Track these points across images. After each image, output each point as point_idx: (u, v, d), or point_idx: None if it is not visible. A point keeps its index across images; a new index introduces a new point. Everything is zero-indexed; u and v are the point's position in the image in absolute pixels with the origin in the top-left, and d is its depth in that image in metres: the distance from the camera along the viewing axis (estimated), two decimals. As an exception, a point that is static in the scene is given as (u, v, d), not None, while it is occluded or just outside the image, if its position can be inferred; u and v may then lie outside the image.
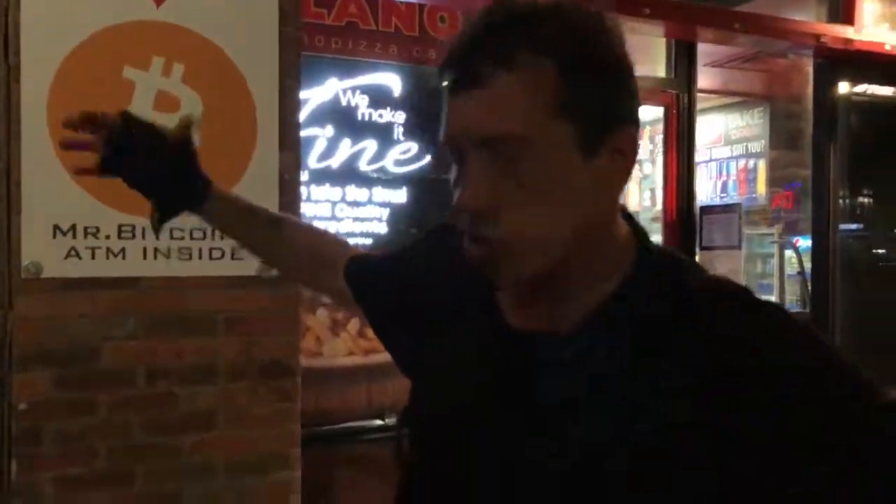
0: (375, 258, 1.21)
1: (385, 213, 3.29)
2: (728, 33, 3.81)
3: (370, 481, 2.89)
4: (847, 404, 0.78)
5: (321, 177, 3.30)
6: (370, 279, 1.15)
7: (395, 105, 3.42)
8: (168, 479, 2.40)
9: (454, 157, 0.82)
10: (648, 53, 4.11)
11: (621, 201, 0.88)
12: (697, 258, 4.17)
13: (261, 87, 2.49)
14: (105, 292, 2.32)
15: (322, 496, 2.80)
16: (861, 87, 4.31)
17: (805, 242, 4.84)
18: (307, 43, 2.96)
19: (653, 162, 5.97)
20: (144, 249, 2.36)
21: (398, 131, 3.45)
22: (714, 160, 6.23)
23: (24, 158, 2.23)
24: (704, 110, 5.37)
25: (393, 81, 3.40)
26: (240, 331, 2.48)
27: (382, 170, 3.43)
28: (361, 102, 3.36)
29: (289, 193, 2.52)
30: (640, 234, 0.88)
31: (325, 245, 1.28)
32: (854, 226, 4.41)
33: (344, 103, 3.33)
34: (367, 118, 3.38)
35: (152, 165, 1.16)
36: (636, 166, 0.87)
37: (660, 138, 4.41)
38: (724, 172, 6.17)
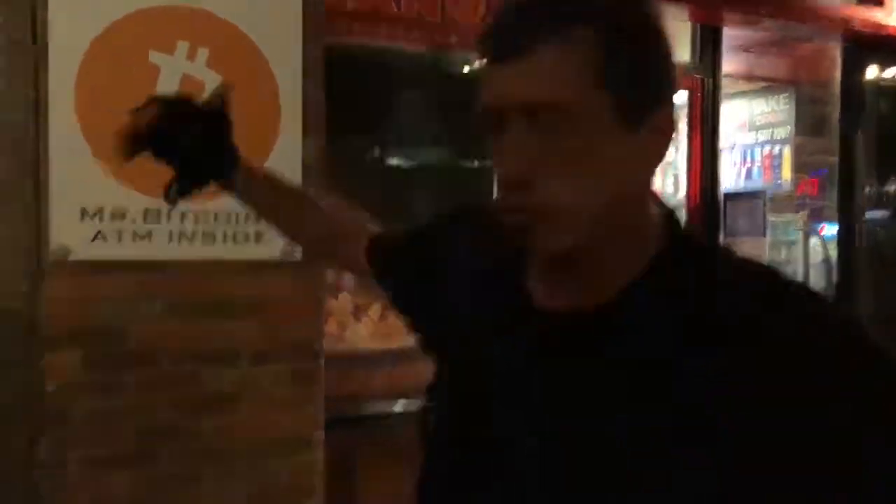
0: (397, 237, 1.21)
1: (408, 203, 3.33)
2: (754, 17, 3.78)
3: (392, 464, 2.90)
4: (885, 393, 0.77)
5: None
6: (392, 259, 1.16)
7: (418, 90, 3.43)
8: (191, 461, 2.42)
9: (494, 126, 0.82)
10: (673, 37, 4.07)
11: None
12: (721, 245, 4.13)
13: (284, 72, 2.50)
14: (131, 275, 2.35)
15: (344, 479, 2.82)
16: (890, 72, 4.25)
17: (831, 230, 4.80)
18: (331, 28, 2.96)
19: (676, 148, 5.93)
20: (170, 233, 2.38)
21: (421, 118, 3.46)
22: (738, 146, 6.17)
23: (52, 142, 2.25)
24: (729, 95, 5.32)
25: (416, 67, 3.41)
26: (263, 314, 2.50)
27: (402, 158, 3.45)
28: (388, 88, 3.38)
29: (312, 180, 2.53)
30: (670, 216, 0.88)
31: (348, 222, 1.29)
32: (881, 213, 4.36)
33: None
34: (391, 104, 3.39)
35: (185, 133, 1.15)
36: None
37: (684, 123, 4.38)
38: (749, 159, 6.10)
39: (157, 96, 1.18)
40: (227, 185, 1.21)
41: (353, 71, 3.23)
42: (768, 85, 5.78)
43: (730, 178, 6.00)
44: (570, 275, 0.86)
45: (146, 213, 2.34)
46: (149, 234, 2.35)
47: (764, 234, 4.35)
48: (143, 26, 2.35)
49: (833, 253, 4.54)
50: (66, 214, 2.27)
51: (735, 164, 6.17)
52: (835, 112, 4.38)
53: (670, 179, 6.26)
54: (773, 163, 5.90)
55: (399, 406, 3.14)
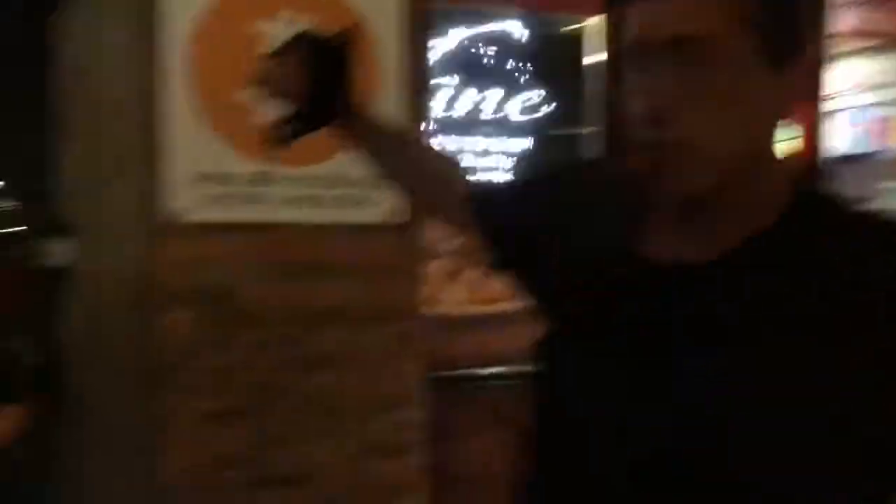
0: (502, 189, 1.20)
1: (508, 162, 3.31)
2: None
3: (490, 426, 2.94)
4: None
5: (445, 126, 3.33)
6: (497, 211, 1.13)
7: (521, 53, 3.41)
8: (297, 417, 2.50)
9: (635, 62, 0.83)
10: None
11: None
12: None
13: (387, 37, 2.51)
14: (241, 237, 2.42)
15: (443, 438, 2.86)
16: None
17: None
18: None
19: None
20: (279, 197, 2.44)
21: (523, 79, 3.44)
22: (847, 108, 5.92)
23: (166, 110, 2.34)
24: (837, 55, 5.10)
25: (518, 29, 3.38)
26: (366, 276, 2.55)
27: (506, 118, 3.44)
28: (487, 51, 3.37)
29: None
30: (793, 168, 0.87)
31: (454, 173, 1.28)
32: None
33: (470, 52, 3.34)
34: (492, 66, 3.38)
35: (308, 68, 1.11)
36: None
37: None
38: (858, 121, 5.86)
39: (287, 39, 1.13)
40: (344, 127, 1.17)
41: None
42: (878, 43, 5.51)
43: (838, 141, 5.78)
44: (696, 221, 0.85)
45: (256, 177, 2.41)
46: (258, 198, 2.42)
47: (873, 200, 4.17)
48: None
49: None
50: (180, 179, 2.36)
51: (844, 127, 5.93)
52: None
53: (778, 144, 6.07)
54: (884, 126, 5.64)
55: (495, 369, 3.16)
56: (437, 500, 2.67)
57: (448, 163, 1.31)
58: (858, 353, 0.76)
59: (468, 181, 1.22)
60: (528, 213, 1.06)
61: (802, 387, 0.77)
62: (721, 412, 0.79)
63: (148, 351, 2.39)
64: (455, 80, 3.29)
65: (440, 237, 3.10)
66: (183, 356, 2.38)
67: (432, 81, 2.90)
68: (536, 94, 3.36)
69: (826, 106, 3.97)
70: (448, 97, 3.28)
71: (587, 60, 3.59)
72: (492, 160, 3.30)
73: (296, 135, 1.13)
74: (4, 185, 6.07)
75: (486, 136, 3.26)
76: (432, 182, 1.24)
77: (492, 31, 3.32)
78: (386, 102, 2.50)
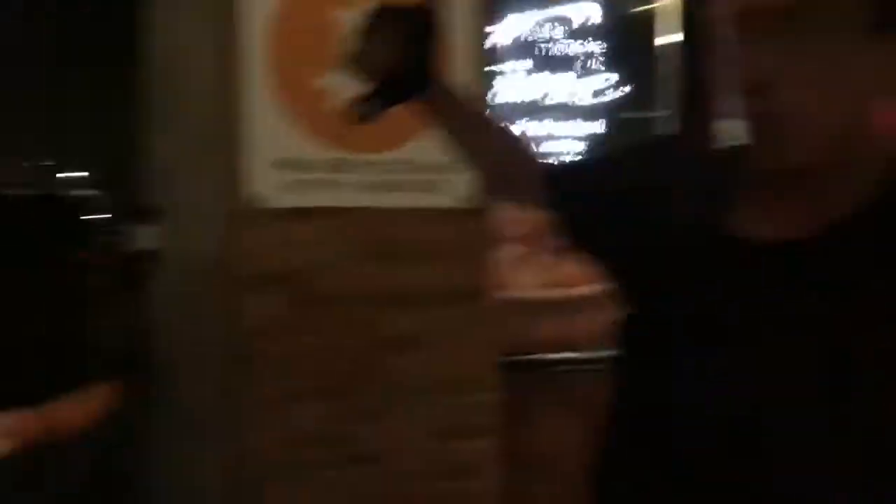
0: (581, 167, 1.17)
1: (577, 146, 3.29)
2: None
3: (565, 411, 2.95)
4: None
5: (514, 111, 3.33)
6: (577, 188, 1.10)
7: (592, 36, 3.38)
8: (376, 398, 2.55)
9: (741, 29, 0.81)
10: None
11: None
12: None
13: (456, 19, 2.51)
14: (320, 222, 2.47)
15: (517, 421, 2.88)
16: None
17: None
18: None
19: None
20: (357, 182, 2.49)
21: (593, 63, 3.42)
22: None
23: (247, 97, 2.40)
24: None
25: (589, 12, 3.35)
26: (440, 259, 2.57)
27: (575, 102, 3.42)
28: (558, 34, 3.35)
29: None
30: (893, 151, 0.84)
31: (529, 151, 1.27)
32: None
33: (539, 35, 3.33)
34: (563, 49, 3.37)
35: (392, 42, 1.09)
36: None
37: None
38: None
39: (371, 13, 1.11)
40: (426, 102, 1.13)
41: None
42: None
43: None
44: (787, 198, 0.83)
45: (334, 163, 2.46)
46: (336, 183, 2.47)
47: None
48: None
49: None
50: (260, 165, 2.42)
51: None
52: None
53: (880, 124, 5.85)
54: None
55: (567, 354, 3.16)
56: (510, 482, 2.70)
57: (523, 141, 1.29)
58: None
59: (543, 160, 1.20)
60: (608, 190, 1.04)
61: (879, 375, 0.75)
62: (808, 395, 0.78)
63: (232, 333, 2.46)
64: (524, 63, 3.28)
65: (512, 221, 3.11)
66: (265, 338, 2.45)
67: (501, 65, 2.90)
68: (607, 78, 3.32)
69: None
70: (516, 81, 3.28)
71: (660, 41, 3.54)
72: (560, 145, 3.28)
73: (380, 109, 1.10)
74: (90, 175, 6.29)
75: (555, 120, 3.23)
76: (509, 159, 1.21)
77: (562, 15, 3.30)
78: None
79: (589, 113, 3.23)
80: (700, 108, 3.05)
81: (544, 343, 3.17)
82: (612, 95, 3.34)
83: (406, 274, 2.55)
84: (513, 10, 3.12)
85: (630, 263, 0.98)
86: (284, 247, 2.45)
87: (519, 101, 3.16)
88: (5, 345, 1.43)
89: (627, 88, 3.33)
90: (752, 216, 0.85)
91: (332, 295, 2.50)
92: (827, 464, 0.77)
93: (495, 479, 2.66)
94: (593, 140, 3.29)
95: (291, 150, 2.44)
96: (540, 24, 3.20)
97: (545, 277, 3.39)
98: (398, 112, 1.12)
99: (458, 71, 2.51)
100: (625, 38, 3.33)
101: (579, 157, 3.12)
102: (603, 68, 3.31)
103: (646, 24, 3.43)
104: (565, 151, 3.26)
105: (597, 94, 3.32)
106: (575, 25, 3.24)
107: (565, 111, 3.20)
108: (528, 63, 3.18)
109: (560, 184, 1.12)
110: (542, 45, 3.17)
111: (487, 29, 2.70)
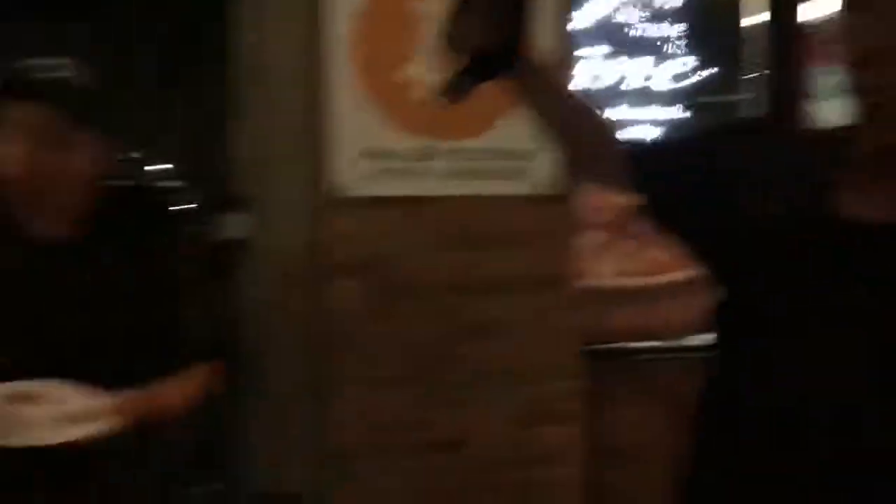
0: (666, 147, 1.15)
1: (656, 132, 3.25)
2: None
3: (647, 400, 2.92)
4: None
5: (593, 96, 3.29)
6: (663, 169, 1.08)
7: (672, 17, 3.32)
8: (456, 384, 2.58)
9: (847, 5, 0.80)
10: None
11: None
12: None
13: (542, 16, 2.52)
14: (403, 210, 2.51)
15: (596, 412, 2.87)
16: None
17: None
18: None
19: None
20: (439, 170, 2.52)
21: (675, 46, 3.36)
22: None
23: (332, 88, 2.43)
24: None
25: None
26: (523, 246, 2.58)
27: (655, 86, 3.37)
28: (636, 17, 3.30)
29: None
30: None
31: (615, 132, 1.25)
32: None
33: (618, 18, 3.28)
34: (642, 33, 3.32)
35: (487, 18, 1.07)
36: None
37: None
38: None
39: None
40: (517, 79, 1.12)
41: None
42: None
43: None
44: (881, 181, 0.81)
45: (418, 152, 2.49)
46: (420, 172, 2.50)
47: None
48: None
49: None
50: (345, 154, 2.46)
51: None
52: None
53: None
54: None
55: (649, 343, 3.13)
56: (590, 470, 2.69)
57: (609, 122, 1.27)
58: None
59: (619, 138, 1.18)
60: (695, 170, 1.02)
61: None
62: None
63: (318, 321, 2.51)
64: (602, 48, 3.25)
65: (596, 208, 3.08)
66: (350, 325, 2.49)
67: (578, 51, 2.88)
68: (685, 62, 3.27)
69: None
70: (594, 66, 3.25)
71: (745, 22, 3.45)
72: (639, 130, 3.24)
73: (470, 87, 1.09)
74: (178, 167, 6.46)
75: (632, 105, 3.20)
76: (596, 139, 1.19)
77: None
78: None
79: (667, 97, 3.17)
80: (788, 89, 2.98)
81: (619, 332, 3.14)
82: (692, 79, 3.28)
83: (489, 261, 2.57)
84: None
85: (718, 245, 0.96)
86: (369, 236, 2.49)
87: (596, 87, 3.13)
88: (103, 332, 1.49)
89: (709, 71, 3.26)
90: (852, 198, 0.84)
91: (415, 283, 2.52)
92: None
93: (577, 467, 2.66)
94: (673, 125, 3.24)
95: (377, 140, 2.47)
96: (617, 8, 3.16)
97: (625, 265, 3.35)
98: (481, 99, 1.12)
99: (543, 53, 2.49)
100: (709, 19, 3.26)
101: (662, 139, 3.06)
102: (682, 52, 3.25)
103: (731, 5, 3.35)
104: (644, 137, 3.22)
105: (676, 78, 3.26)
106: (655, 7, 3.19)
107: (643, 96, 3.15)
108: (604, 48, 3.14)
109: (644, 164, 1.11)
110: (620, 29, 3.13)
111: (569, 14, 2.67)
